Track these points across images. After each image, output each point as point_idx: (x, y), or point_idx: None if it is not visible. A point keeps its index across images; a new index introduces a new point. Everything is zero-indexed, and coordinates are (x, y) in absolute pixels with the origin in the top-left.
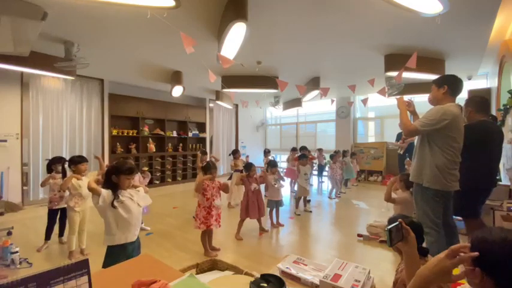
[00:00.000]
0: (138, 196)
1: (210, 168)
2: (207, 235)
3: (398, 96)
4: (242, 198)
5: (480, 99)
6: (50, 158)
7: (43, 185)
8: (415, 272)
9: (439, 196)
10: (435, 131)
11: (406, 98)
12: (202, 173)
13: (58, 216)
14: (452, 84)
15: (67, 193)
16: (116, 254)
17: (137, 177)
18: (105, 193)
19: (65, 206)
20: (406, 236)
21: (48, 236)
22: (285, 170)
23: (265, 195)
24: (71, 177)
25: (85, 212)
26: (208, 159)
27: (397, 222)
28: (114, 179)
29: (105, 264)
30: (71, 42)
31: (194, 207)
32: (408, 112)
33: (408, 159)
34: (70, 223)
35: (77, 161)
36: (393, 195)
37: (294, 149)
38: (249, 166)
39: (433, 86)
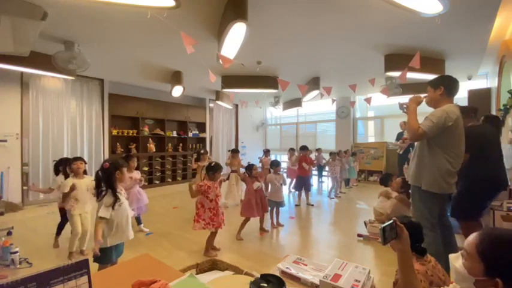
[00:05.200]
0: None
1: (213, 170)
2: (213, 235)
3: (412, 96)
4: (243, 197)
5: (463, 108)
6: (53, 158)
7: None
8: (408, 269)
9: (437, 197)
10: (439, 133)
11: (404, 99)
12: (205, 173)
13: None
14: (449, 85)
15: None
16: (110, 254)
17: (138, 174)
18: (108, 202)
19: None
20: (400, 233)
21: (59, 232)
22: (285, 171)
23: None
24: (69, 196)
25: (86, 215)
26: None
27: (391, 221)
28: (118, 174)
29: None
30: (71, 42)
31: (194, 207)
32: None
33: (406, 165)
34: (71, 225)
35: (70, 161)
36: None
37: (292, 149)
38: (250, 167)
39: (429, 87)
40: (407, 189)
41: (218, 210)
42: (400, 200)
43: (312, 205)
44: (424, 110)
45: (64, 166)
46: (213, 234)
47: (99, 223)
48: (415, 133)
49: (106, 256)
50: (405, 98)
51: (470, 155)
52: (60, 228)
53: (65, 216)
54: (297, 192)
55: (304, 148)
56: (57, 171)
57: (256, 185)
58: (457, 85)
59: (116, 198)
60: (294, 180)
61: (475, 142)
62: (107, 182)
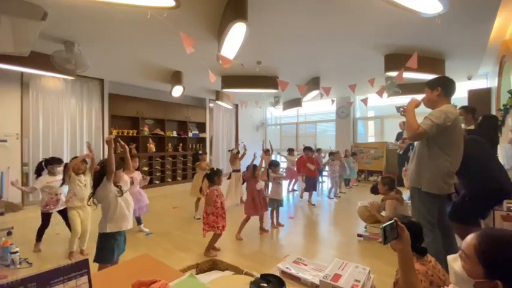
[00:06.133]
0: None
1: (218, 175)
2: (216, 236)
3: (412, 97)
4: (244, 197)
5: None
6: (49, 157)
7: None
8: (409, 269)
9: (436, 198)
10: (438, 133)
11: (402, 100)
12: (208, 181)
13: (61, 219)
14: (446, 86)
15: (63, 197)
16: (111, 252)
17: (138, 175)
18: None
19: (61, 208)
20: (401, 234)
21: (39, 238)
22: (284, 170)
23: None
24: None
25: (86, 212)
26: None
27: (392, 221)
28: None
29: (103, 250)
30: (71, 42)
31: (194, 208)
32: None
33: (406, 165)
34: (72, 224)
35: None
36: (378, 215)
37: (291, 150)
38: (254, 167)
39: (426, 88)
40: (391, 185)
41: (223, 214)
42: (389, 198)
43: (314, 205)
44: (423, 111)
45: (53, 166)
46: (216, 236)
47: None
48: (415, 132)
49: (108, 254)
50: (404, 99)
51: (469, 162)
52: (40, 233)
53: (45, 221)
54: (297, 192)
55: (308, 149)
56: (41, 171)
57: (258, 185)
58: (454, 85)
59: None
60: (293, 181)
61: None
62: (97, 183)
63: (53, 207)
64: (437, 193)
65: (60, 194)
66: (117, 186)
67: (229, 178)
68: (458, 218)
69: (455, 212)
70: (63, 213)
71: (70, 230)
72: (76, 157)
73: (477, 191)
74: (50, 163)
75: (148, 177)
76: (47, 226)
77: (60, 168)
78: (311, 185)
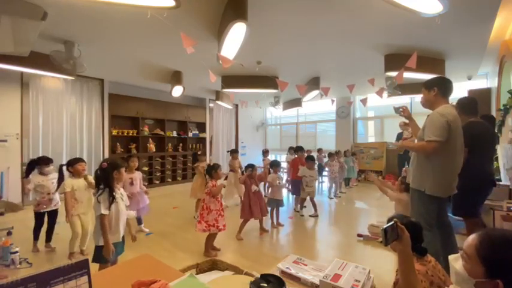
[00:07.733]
0: (125, 196)
1: (215, 169)
2: (212, 236)
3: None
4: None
5: (467, 100)
6: (53, 158)
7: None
8: (409, 269)
9: (437, 199)
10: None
11: (397, 104)
12: (208, 177)
13: (46, 220)
14: (442, 86)
15: (57, 195)
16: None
17: (139, 175)
18: (105, 200)
19: (54, 208)
20: (401, 234)
21: (36, 237)
22: (285, 171)
23: (264, 195)
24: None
25: (87, 215)
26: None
27: (392, 222)
28: (116, 174)
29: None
30: (71, 42)
31: (194, 207)
32: (404, 118)
33: (406, 167)
34: (71, 227)
35: (73, 162)
36: (390, 192)
37: (291, 149)
38: (251, 166)
39: (423, 89)
40: (408, 187)
41: (222, 212)
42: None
43: (303, 215)
44: (422, 111)
45: (40, 166)
46: (212, 235)
47: (103, 220)
48: (430, 149)
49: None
50: (404, 99)
51: (469, 150)
52: (36, 233)
53: (38, 220)
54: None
55: (299, 149)
56: (29, 172)
57: (253, 188)
58: (451, 85)
59: (113, 198)
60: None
61: (472, 138)
62: (104, 181)
63: (45, 207)
64: (442, 196)
65: (53, 193)
66: (112, 196)
67: (225, 179)
68: (457, 212)
69: (454, 206)
70: (50, 215)
71: (46, 235)
72: (78, 158)
73: (466, 179)
74: (37, 163)
75: (146, 190)
76: (42, 226)
77: (50, 168)
78: (298, 189)
